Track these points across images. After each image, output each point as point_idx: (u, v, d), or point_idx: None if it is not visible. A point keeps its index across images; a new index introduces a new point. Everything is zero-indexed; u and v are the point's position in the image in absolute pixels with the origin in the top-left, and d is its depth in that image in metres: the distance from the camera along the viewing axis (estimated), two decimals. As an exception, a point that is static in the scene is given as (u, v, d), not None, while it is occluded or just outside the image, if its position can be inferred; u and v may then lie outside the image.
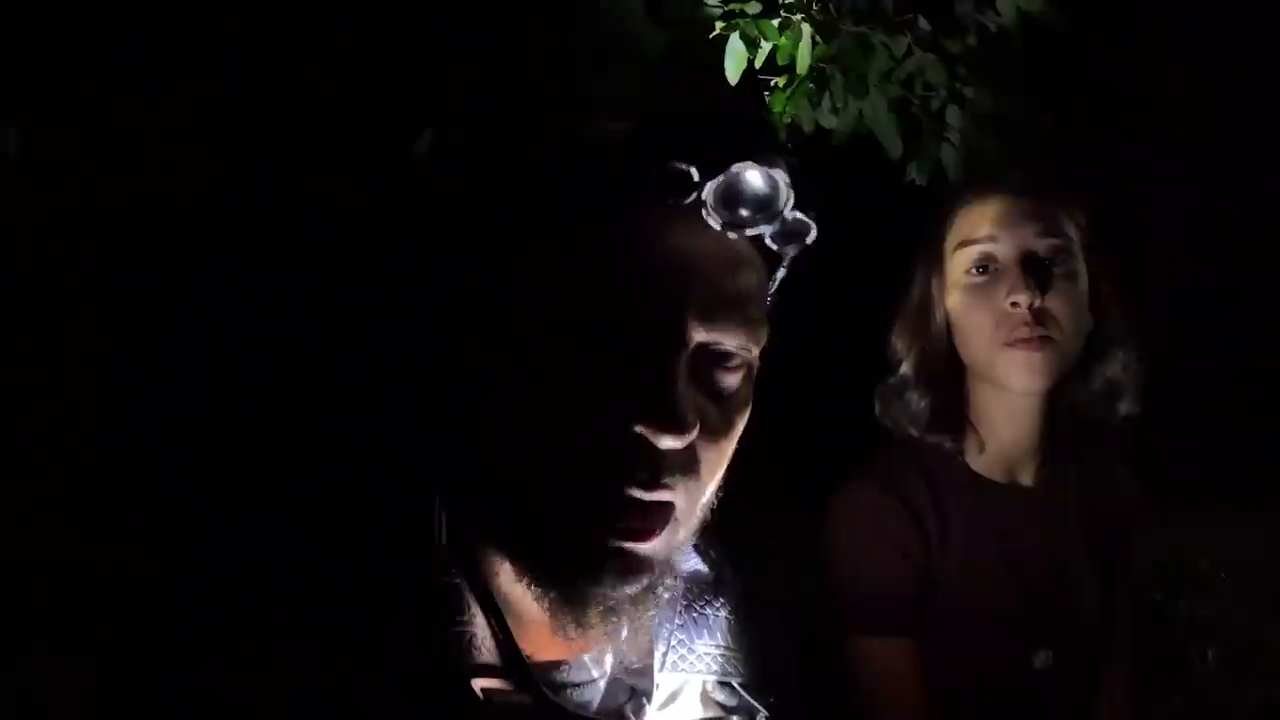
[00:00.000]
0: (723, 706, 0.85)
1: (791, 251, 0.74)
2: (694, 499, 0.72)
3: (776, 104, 2.30)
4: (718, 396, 0.71)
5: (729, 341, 0.70)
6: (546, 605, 0.70)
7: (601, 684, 0.79)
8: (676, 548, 0.73)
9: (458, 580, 0.73)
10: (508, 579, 0.75)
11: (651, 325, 0.67)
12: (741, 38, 2.23)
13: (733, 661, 0.87)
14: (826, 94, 2.29)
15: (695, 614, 0.87)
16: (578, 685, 0.77)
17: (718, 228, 0.69)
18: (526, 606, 0.76)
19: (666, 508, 0.69)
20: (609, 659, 0.80)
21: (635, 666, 0.81)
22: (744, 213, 0.68)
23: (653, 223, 0.68)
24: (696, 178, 0.67)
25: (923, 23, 2.25)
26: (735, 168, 0.68)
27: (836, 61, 2.28)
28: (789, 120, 2.28)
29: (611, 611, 0.70)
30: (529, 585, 0.71)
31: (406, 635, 0.70)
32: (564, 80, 2.20)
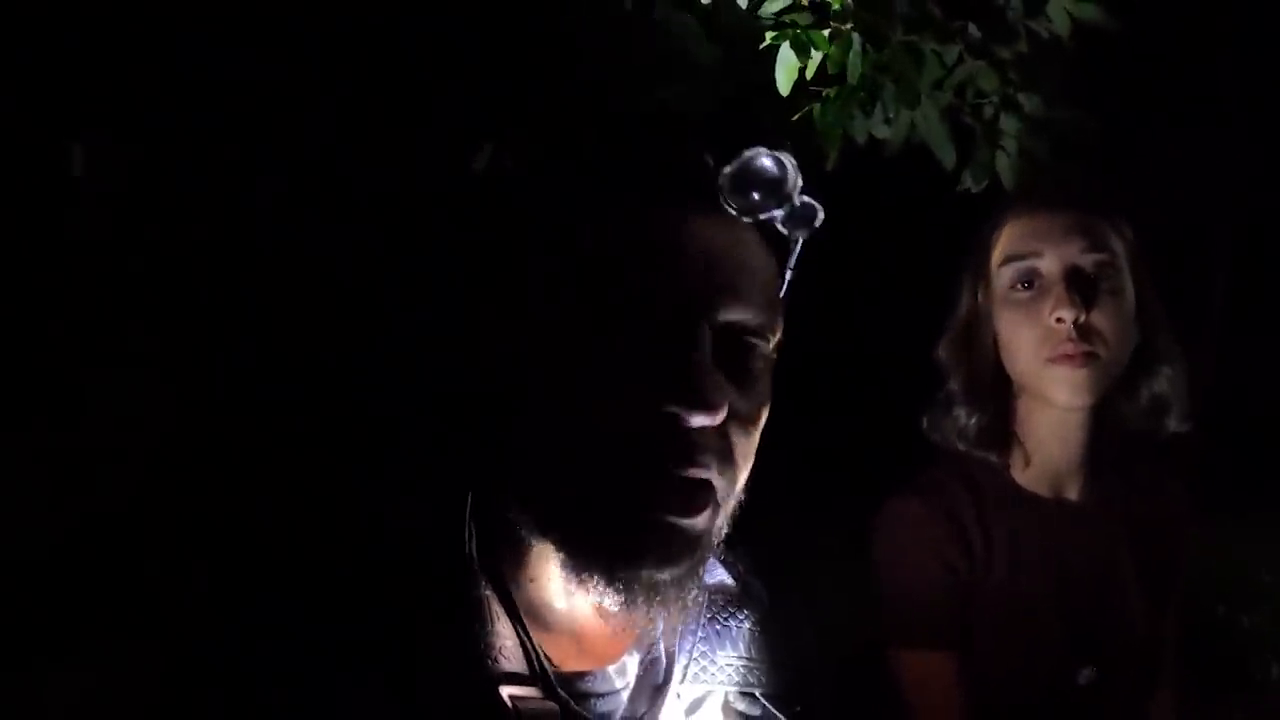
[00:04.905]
0: (745, 717, 0.86)
1: (801, 235, 0.78)
2: (730, 481, 0.75)
3: (827, 114, 2.30)
4: (741, 382, 0.74)
5: (748, 322, 0.74)
6: (594, 587, 0.72)
7: (624, 695, 0.81)
8: (716, 531, 0.76)
9: (486, 592, 0.76)
10: (536, 589, 0.78)
11: (677, 309, 0.71)
12: (792, 46, 2.23)
13: (755, 673, 0.88)
14: (878, 104, 2.28)
15: (719, 626, 0.88)
16: (602, 695, 0.79)
17: (733, 213, 0.73)
18: (554, 617, 0.78)
19: (706, 486, 0.72)
20: (632, 670, 0.82)
21: (657, 681, 0.83)
22: (756, 196, 0.73)
23: (675, 214, 0.73)
24: (713, 164, 0.72)
25: (973, 30, 2.23)
26: (748, 153, 0.72)
27: (888, 71, 2.27)
28: (841, 131, 2.28)
29: (657, 592, 0.72)
30: (576, 571, 0.72)
31: (436, 646, 0.72)
32: (620, 94, 2.23)
